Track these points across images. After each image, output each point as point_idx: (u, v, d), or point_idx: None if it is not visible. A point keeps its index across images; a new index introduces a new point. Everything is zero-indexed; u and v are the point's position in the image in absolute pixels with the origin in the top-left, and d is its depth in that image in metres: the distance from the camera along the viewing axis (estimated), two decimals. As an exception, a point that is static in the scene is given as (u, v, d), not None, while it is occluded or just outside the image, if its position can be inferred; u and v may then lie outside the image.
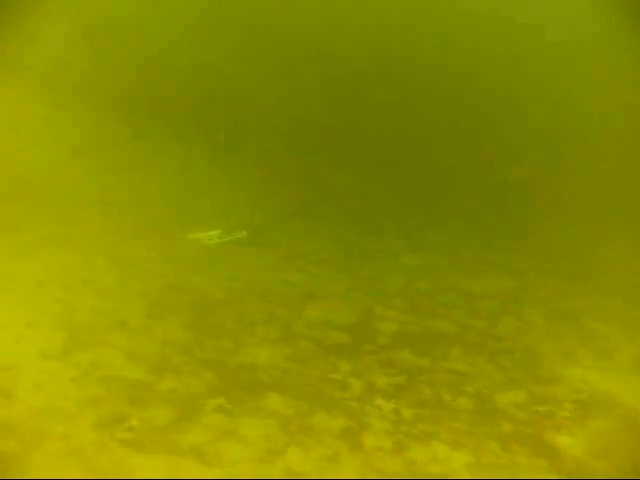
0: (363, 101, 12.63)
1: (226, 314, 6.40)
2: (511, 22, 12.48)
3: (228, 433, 4.51)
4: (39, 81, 10.64)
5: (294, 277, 7.52)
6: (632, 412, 5.33)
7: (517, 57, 12.63)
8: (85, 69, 11.30)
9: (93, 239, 7.69)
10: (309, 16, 12.71)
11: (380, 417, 4.94)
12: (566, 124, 11.96)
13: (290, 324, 6.37)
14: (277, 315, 6.52)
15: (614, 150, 11.30)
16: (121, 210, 8.64)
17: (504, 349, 6.37)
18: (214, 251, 8.00)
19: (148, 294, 6.54)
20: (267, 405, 4.94)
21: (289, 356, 5.74)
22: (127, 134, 11.02)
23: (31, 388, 4.79)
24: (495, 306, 7.37)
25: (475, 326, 6.81)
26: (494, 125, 12.39)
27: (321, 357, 5.81)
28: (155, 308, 6.30)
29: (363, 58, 12.60)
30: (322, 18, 12.79)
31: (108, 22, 11.71)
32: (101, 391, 4.83)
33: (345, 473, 4.23)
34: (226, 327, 6.15)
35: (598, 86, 11.83)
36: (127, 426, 4.48)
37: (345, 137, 12.16)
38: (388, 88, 12.67)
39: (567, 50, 12.19)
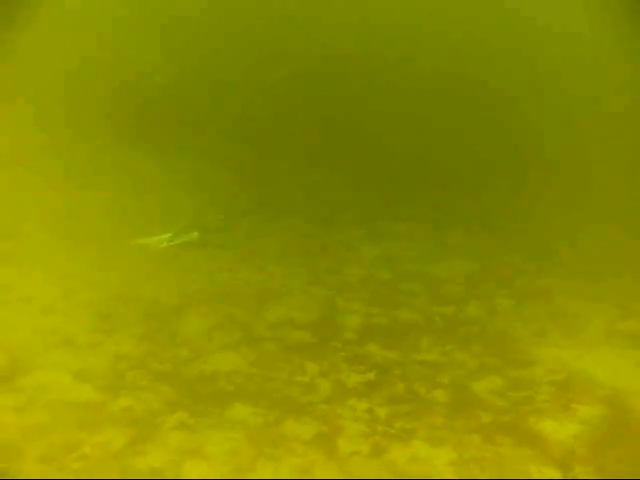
0: (311, 89, 12.36)
1: (181, 321, 6.02)
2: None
3: (191, 451, 4.16)
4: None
5: (251, 276, 7.16)
6: (612, 391, 5.15)
7: (498, 41, 12.58)
8: (22, 70, 10.76)
9: (33, 252, 7.18)
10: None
11: (354, 419, 4.64)
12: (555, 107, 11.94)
13: (250, 326, 6.03)
14: (236, 318, 6.17)
15: (583, 129, 11.29)
16: (61, 219, 8.11)
17: (474, 334, 6.14)
18: (165, 255, 7.57)
19: (96, 306, 6.11)
20: (232, 416, 4.60)
21: (252, 361, 5.40)
22: (64, 137, 10.48)
23: (-33, 422, 4.35)
24: (460, 290, 7.16)
25: (442, 313, 6.57)
26: (443, 107, 12.26)
27: (286, 359, 5.49)
28: (104, 321, 5.88)
29: (317, 51, 12.38)
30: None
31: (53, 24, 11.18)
32: (47, 418, 4.42)
33: (322, 485, 3.91)
34: (182, 335, 5.77)
35: (586, 71, 11.82)
36: (79, 454, 4.08)
37: (293, 126, 11.85)
38: (337, 74, 12.45)
39: (558, 38, 12.20)
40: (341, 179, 10.85)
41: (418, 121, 12.39)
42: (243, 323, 6.07)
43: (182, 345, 5.57)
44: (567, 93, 11.95)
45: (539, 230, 9.12)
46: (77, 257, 7.19)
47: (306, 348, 5.69)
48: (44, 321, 5.77)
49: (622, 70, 11.28)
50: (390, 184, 10.79)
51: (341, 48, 12.90)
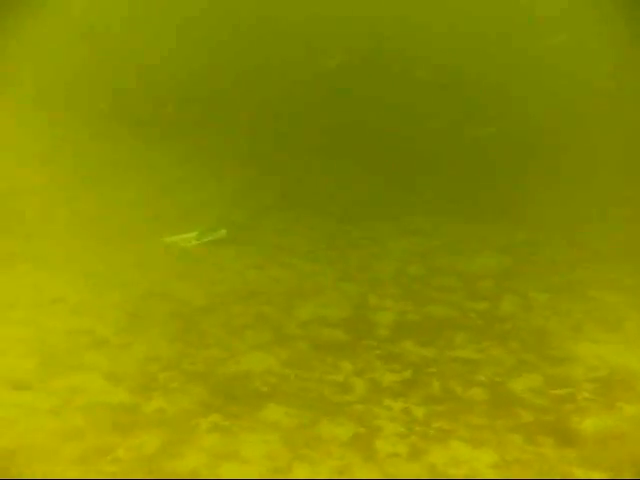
0: (338, 88, 12.29)
1: (212, 321, 5.95)
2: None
3: (227, 455, 4.07)
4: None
5: (280, 274, 7.08)
6: (658, 388, 4.97)
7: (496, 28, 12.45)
8: (40, 71, 10.77)
9: (62, 253, 7.17)
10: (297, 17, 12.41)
11: (390, 419, 4.53)
12: (557, 96, 11.77)
13: (281, 325, 5.94)
14: (266, 316, 6.09)
15: (607, 118, 11.09)
16: (90, 219, 8.10)
17: (510, 330, 6.00)
18: (193, 254, 7.52)
19: (126, 307, 6.06)
20: (267, 418, 4.51)
21: (284, 360, 5.31)
22: (91, 140, 10.48)
23: (2, 425, 4.29)
24: (494, 285, 7.01)
25: (476, 308, 6.44)
26: (474, 104, 12.12)
27: (318, 358, 5.39)
28: (135, 321, 5.83)
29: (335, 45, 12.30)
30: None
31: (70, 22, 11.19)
32: (82, 421, 4.36)
33: (361, 488, 3.81)
34: (213, 335, 5.70)
35: (583, 53, 11.62)
36: (113, 458, 4.02)
37: (320, 121, 11.76)
38: (363, 74, 12.38)
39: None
40: (368, 174, 10.75)
41: (444, 115, 12.27)
42: (274, 322, 5.98)
43: (213, 345, 5.50)
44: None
45: (570, 221, 8.95)
46: (105, 257, 7.17)
47: (339, 346, 5.60)
48: (74, 322, 5.74)
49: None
50: (417, 178, 10.66)
51: (365, 43, 12.80)
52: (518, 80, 12.53)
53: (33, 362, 5.03)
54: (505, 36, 12.74)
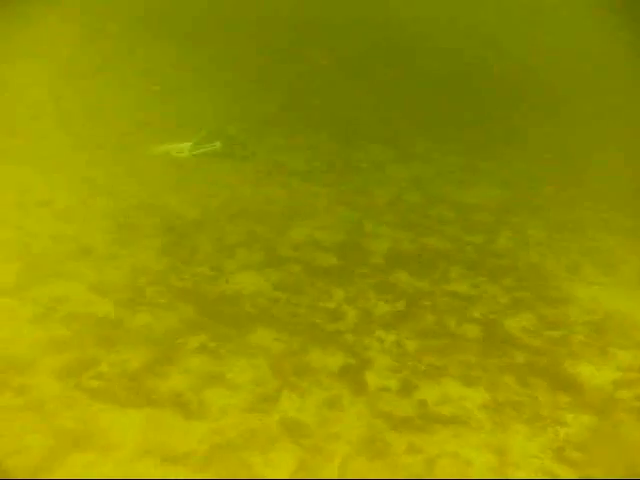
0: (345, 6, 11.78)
1: (203, 236, 5.76)
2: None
3: (213, 378, 3.97)
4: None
5: (275, 193, 6.86)
6: (651, 335, 4.89)
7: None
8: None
9: (51, 154, 6.88)
10: None
11: (382, 351, 4.43)
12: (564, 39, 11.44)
13: (274, 245, 5.77)
14: (259, 236, 5.91)
15: (605, 58, 10.78)
16: (80, 120, 7.77)
17: (506, 267, 5.87)
18: (186, 165, 7.26)
19: (115, 216, 5.86)
20: (255, 341, 4.39)
21: (275, 283, 5.16)
22: (85, 35, 9.98)
23: (-20, 332, 4.16)
24: (491, 219, 6.86)
25: (472, 242, 6.29)
26: (479, 31, 11.74)
27: (310, 283, 5.25)
28: (123, 232, 5.63)
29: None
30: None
31: None
32: (64, 332, 4.22)
33: (349, 421, 3.72)
34: (204, 251, 5.53)
35: None
36: (96, 372, 3.90)
37: (324, 37, 11.30)
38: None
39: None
40: (370, 94, 10.39)
41: (451, 43, 11.88)
42: (267, 242, 5.81)
43: (203, 262, 5.33)
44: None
45: (571, 159, 8.75)
46: (95, 161, 6.91)
47: (332, 272, 5.45)
48: (61, 228, 5.54)
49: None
50: (420, 103, 10.35)
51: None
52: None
53: (15, 267, 4.86)
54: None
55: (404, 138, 9.05)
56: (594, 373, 4.37)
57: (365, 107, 9.98)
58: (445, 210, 6.95)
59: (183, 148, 7.44)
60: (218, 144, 7.64)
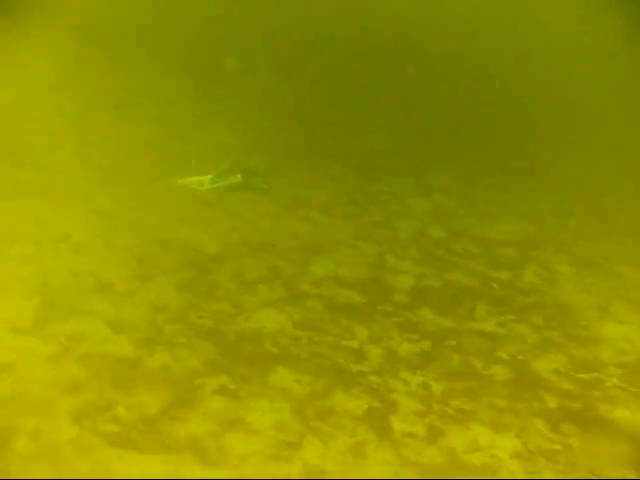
0: (365, 34, 11.78)
1: (223, 272, 5.66)
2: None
3: (233, 422, 3.82)
4: (5, 10, 9.52)
5: (296, 226, 6.77)
6: (689, 378, 4.69)
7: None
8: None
9: (70, 187, 6.83)
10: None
11: (407, 393, 4.27)
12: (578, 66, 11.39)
13: (295, 281, 5.65)
14: (280, 271, 5.80)
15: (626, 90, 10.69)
16: (101, 153, 7.74)
17: (533, 304, 5.72)
18: (206, 198, 7.19)
19: (134, 251, 5.77)
20: (277, 383, 4.24)
21: (297, 321, 5.03)
22: (105, 66, 10.03)
23: (-4, 371, 4.05)
24: (516, 254, 6.72)
25: (498, 278, 6.14)
26: (500, 65, 11.70)
27: (333, 320, 5.11)
28: (142, 267, 5.53)
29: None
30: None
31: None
32: (81, 372, 4.10)
33: (374, 469, 3.56)
34: (224, 287, 5.41)
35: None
36: (112, 416, 3.76)
37: (344, 69, 11.29)
38: (389, 22, 11.88)
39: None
40: (391, 125, 10.35)
41: (472, 72, 11.86)
42: (288, 277, 5.70)
43: (223, 299, 5.22)
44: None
45: (595, 191, 8.64)
46: (114, 194, 6.86)
47: (354, 309, 5.32)
48: (79, 263, 5.45)
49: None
50: (440, 133, 10.29)
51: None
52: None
53: (33, 303, 4.76)
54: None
55: (424, 169, 8.98)
56: (630, 419, 4.17)
57: (384, 137, 9.94)
58: (469, 244, 6.82)
59: (203, 181, 7.38)
60: (239, 177, 7.58)
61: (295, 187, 7.80)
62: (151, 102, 9.44)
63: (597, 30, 11.32)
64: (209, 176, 7.45)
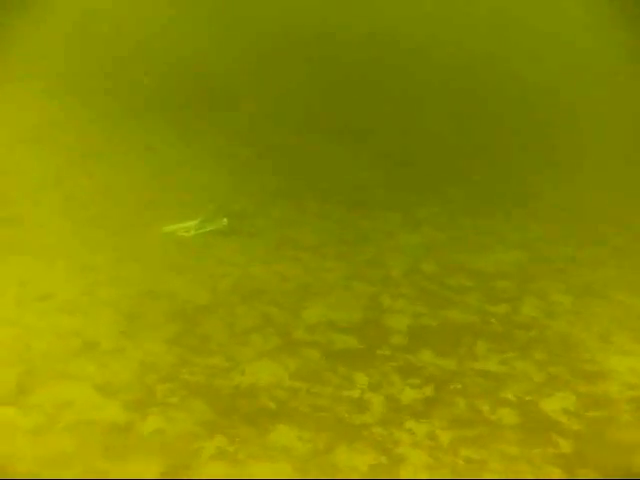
0: (344, 71, 11.76)
1: (214, 323, 5.46)
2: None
3: (234, 488, 3.60)
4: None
5: (286, 269, 6.58)
6: None
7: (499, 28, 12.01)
8: (35, 47, 10.15)
9: (52, 242, 6.60)
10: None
11: (414, 445, 4.08)
12: (565, 89, 11.37)
13: (289, 329, 5.47)
14: (273, 318, 5.61)
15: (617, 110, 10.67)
16: (82, 204, 7.54)
17: (534, 339, 5.57)
18: (193, 245, 6.99)
19: (120, 305, 5.56)
20: (276, 442, 4.04)
21: (294, 372, 4.84)
22: (84, 115, 9.88)
23: (-23, 447, 3.81)
24: (512, 286, 6.58)
25: (496, 312, 6.00)
26: (485, 88, 11.67)
27: (331, 369, 4.93)
28: (129, 322, 5.32)
29: (344, 34, 11.77)
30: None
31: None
32: (68, 443, 3.88)
33: (387, 534, 3.35)
34: (216, 339, 5.22)
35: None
36: (104, 490, 3.54)
37: (325, 106, 11.23)
38: (369, 57, 11.87)
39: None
40: (373, 158, 10.22)
41: (455, 97, 11.82)
42: (281, 325, 5.51)
43: (216, 352, 5.02)
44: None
45: (587, 215, 8.52)
46: (98, 247, 6.64)
47: (352, 355, 5.14)
48: (63, 322, 5.24)
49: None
50: (425, 163, 10.19)
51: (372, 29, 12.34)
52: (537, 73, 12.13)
53: (16, 370, 4.53)
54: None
55: (410, 201, 8.82)
56: (649, 460, 4.00)
57: (367, 170, 9.78)
58: (463, 279, 6.67)
59: (189, 227, 7.20)
60: (225, 221, 7.41)
61: (283, 227, 7.62)
62: (131, 148, 9.27)
63: (598, 46, 11.31)
64: (195, 221, 7.28)
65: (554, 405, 4.60)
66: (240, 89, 10.98)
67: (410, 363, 5.06)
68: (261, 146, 9.99)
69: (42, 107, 9.63)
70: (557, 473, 3.87)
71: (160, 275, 6.18)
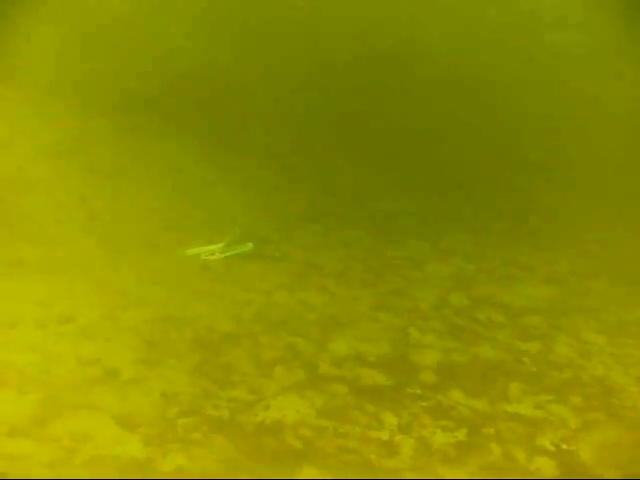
0: (372, 96, 11.60)
1: (238, 352, 5.29)
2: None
3: (259, 539, 3.41)
4: (6, 75, 9.33)
5: (312, 298, 6.42)
6: None
7: (517, 49, 11.75)
8: (60, 62, 10.09)
9: (74, 263, 6.49)
10: (310, 13, 11.72)
11: (448, 495, 3.85)
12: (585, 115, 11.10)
13: (315, 361, 5.28)
14: (298, 350, 5.43)
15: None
16: (105, 224, 7.43)
17: (569, 381, 5.33)
18: (217, 269, 6.85)
19: (141, 331, 5.40)
20: (302, 485, 3.83)
21: (320, 409, 4.63)
22: (110, 132, 9.80)
23: (-9, 483, 3.65)
24: (543, 322, 6.37)
25: (528, 351, 5.77)
26: (515, 120, 11.44)
27: (358, 406, 4.72)
28: (151, 350, 5.16)
29: (369, 53, 11.62)
30: (325, 14, 11.80)
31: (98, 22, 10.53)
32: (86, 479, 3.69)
33: None
34: (239, 370, 5.03)
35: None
36: (122, 535, 3.35)
37: (352, 132, 11.08)
38: (396, 83, 11.70)
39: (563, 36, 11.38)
40: (399, 184, 10.08)
41: (482, 125, 11.62)
42: (307, 357, 5.32)
43: (239, 384, 4.83)
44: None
45: (619, 249, 8.29)
46: (120, 267, 6.53)
47: (380, 393, 4.93)
48: (84, 348, 5.08)
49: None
50: (450, 189, 10.02)
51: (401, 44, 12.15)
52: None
53: (34, 399, 4.36)
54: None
55: (438, 229, 8.67)
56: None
57: (394, 197, 9.64)
58: (494, 313, 6.47)
59: (214, 250, 7.08)
60: (250, 245, 7.27)
61: (308, 253, 7.48)
62: (156, 167, 9.16)
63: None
64: (219, 245, 7.15)
65: (594, 454, 4.35)
66: (269, 111, 10.85)
67: (441, 403, 4.85)
68: (290, 170, 9.86)
69: (66, 123, 9.54)
70: (601, 533, 3.63)
71: (183, 299, 6.03)
